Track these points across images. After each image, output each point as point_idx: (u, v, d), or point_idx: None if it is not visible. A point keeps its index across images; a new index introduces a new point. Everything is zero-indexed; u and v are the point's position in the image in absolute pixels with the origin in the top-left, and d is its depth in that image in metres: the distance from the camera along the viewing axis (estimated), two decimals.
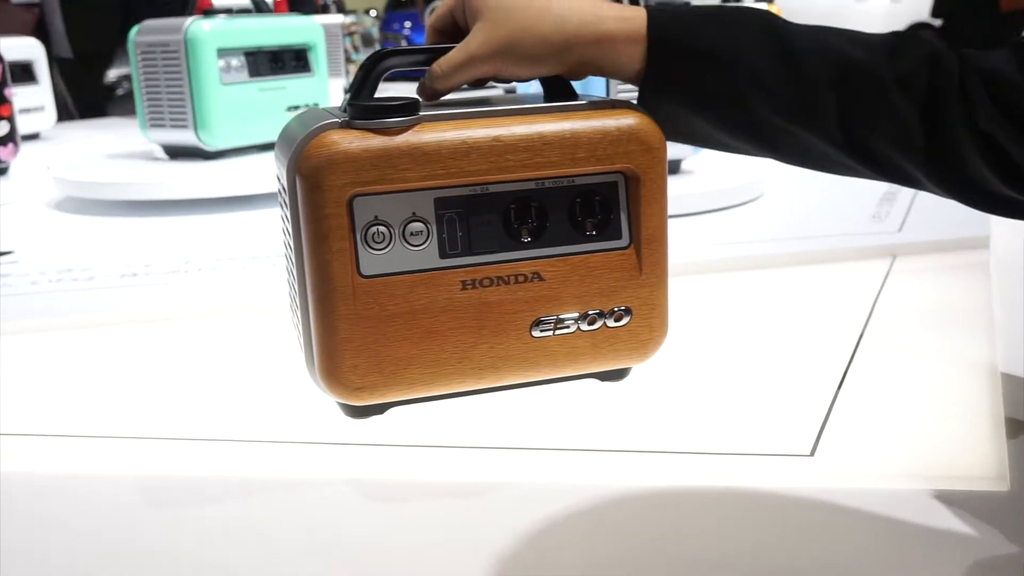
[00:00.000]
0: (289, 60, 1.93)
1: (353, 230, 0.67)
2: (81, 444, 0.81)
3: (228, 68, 1.83)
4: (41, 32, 3.41)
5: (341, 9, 3.79)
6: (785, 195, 1.66)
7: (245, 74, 1.86)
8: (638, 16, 0.64)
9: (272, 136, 1.95)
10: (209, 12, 1.88)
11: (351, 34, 3.40)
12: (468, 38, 0.68)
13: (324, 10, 3.65)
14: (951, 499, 0.65)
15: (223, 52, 1.83)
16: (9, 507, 0.70)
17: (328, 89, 2.00)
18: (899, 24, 6.16)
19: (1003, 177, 0.58)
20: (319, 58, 1.96)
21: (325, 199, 0.66)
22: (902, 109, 0.59)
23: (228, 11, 1.90)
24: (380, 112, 0.67)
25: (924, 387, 0.81)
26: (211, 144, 1.85)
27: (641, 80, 0.66)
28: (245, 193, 1.72)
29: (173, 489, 0.73)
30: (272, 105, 1.90)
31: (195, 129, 1.82)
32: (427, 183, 0.68)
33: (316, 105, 1.88)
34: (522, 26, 0.66)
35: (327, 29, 2.30)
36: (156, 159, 1.94)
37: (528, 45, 0.67)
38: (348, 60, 3.46)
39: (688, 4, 0.65)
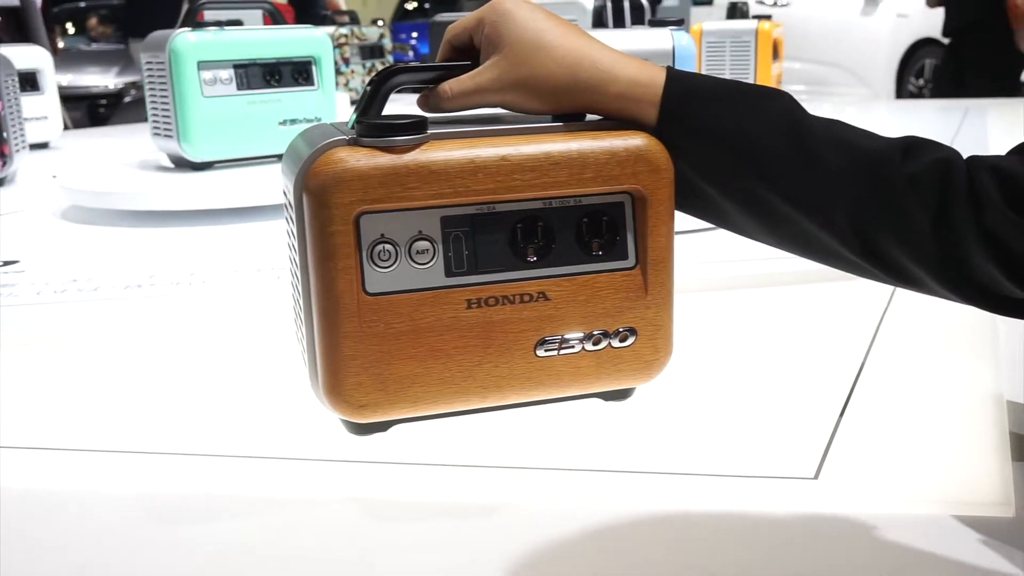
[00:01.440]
0: (288, 73, 1.91)
1: (359, 247, 0.67)
2: (84, 458, 0.81)
3: (213, 81, 1.85)
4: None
5: (354, 20, 3.79)
6: None
7: (233, 87, 1.86)
8: (654, 82, 0.64)
9: (262, 150, 1.97)
10: (200, 25, 1.89)
11: (340, 46, 3.39)
12: (482, 68, 0.68)
13: (325, 21, 3.65)
14: (956, 524, 0.65)
15: (206, 64, 1.84)
16: (9, 520, 0.70)
17: (335, 103, 1.98)
18: (905, 39, 6.17)
19: (1011, 276, 0.58)
20: (324, 72, 1.94)
21: (332, 216, 0.66)
22: (912, 210, 0.58)
23: (218, 24, 1.90)
24: (388, 130, 0.67)
25: (928, 410, 0.81)
26: (193, 155, 1.87)
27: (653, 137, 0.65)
28: (252, 205, 1.72)
29: (174, 505, 0.73)
30: (262, 119, 1.88)
31: (178, 140, 1.85)
32: (434, 201, 0.68)
33: (318, 120, 1.87)
34: (536, 73, 0.66)
35: None
36: (163, 168, 1.94)
37: (540, 90, 0.67)
38: (337, 72, 3.46)
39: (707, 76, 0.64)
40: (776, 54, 2.70)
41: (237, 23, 1.94)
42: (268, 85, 1.88)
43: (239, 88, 1.86)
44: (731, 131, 0.61)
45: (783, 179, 0.60)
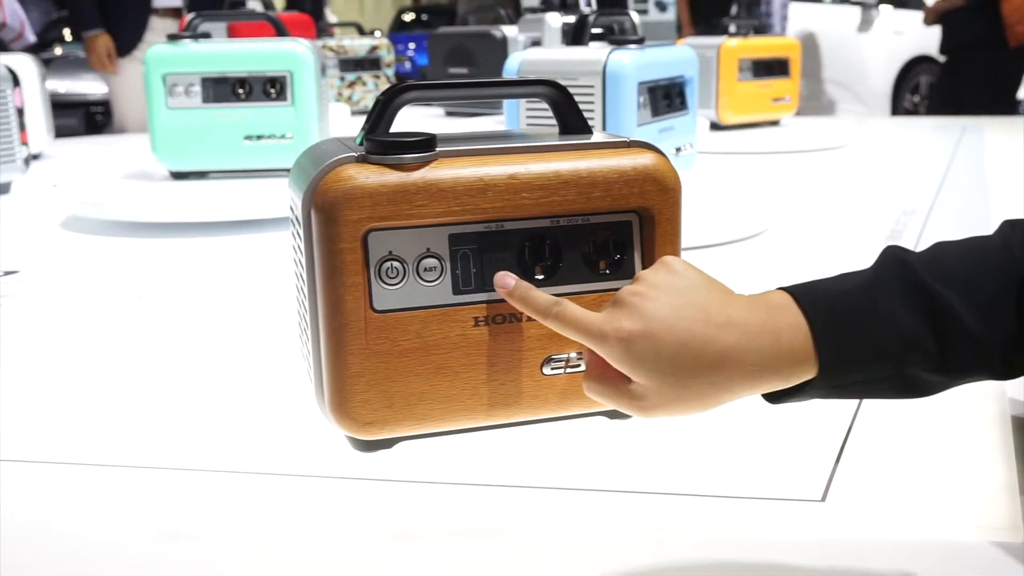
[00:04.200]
0: (259, 88, 1.86)
1: (367, 265, 0.67)
2: (84, 472, 0.80)
3: (179, 92, 1.87)
4: None
5: (360, 31, 3.78)
6: (791, 229, 1.67)
7: (198, 99, 1.87)
8: (807, 356, 0.58)
9: (226, 164, 1.99)
10: (174, 37, 1.91)
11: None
12: (621, 364, 0.60)
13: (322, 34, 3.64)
14: (964, 548, 0.65)
15: (172, 76, 1.86)
16: (10, 534, 0.70)
17: (316, 119, 1.89)
18: (901, 56, 6.19)
19: None
20: (300, 87, 1.86)
21: (340, 233, 0.66)
22: None
23: (194, 37, 1.91)
24: (397, 148, 0.67)
25: (934, 428, 0.81)
26: (165, 165, 1.92)
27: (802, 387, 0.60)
28: (255, 217, 1.72)
29: (174, 520, 0.72)
30: (227, 133, 1.87)
31: (153, 149, 1.90)
32: (442, 219, 0.68)
33: (285, 136, 1.85)
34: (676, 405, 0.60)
35: None
36: (164, 179, 1.94)
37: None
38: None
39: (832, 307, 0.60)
40: (787, 71, 2.70)
41: (206, 36, 1.94)
42: (237, 99, 1.86)
43: (205, 101, 1.86)
44: (880, 341, 0.58)
45: (934, 359, 0.58)
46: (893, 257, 0.60)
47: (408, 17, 11.63)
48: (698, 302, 0.60)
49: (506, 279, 0.67)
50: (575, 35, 1.59)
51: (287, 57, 1.86)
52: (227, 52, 1.88)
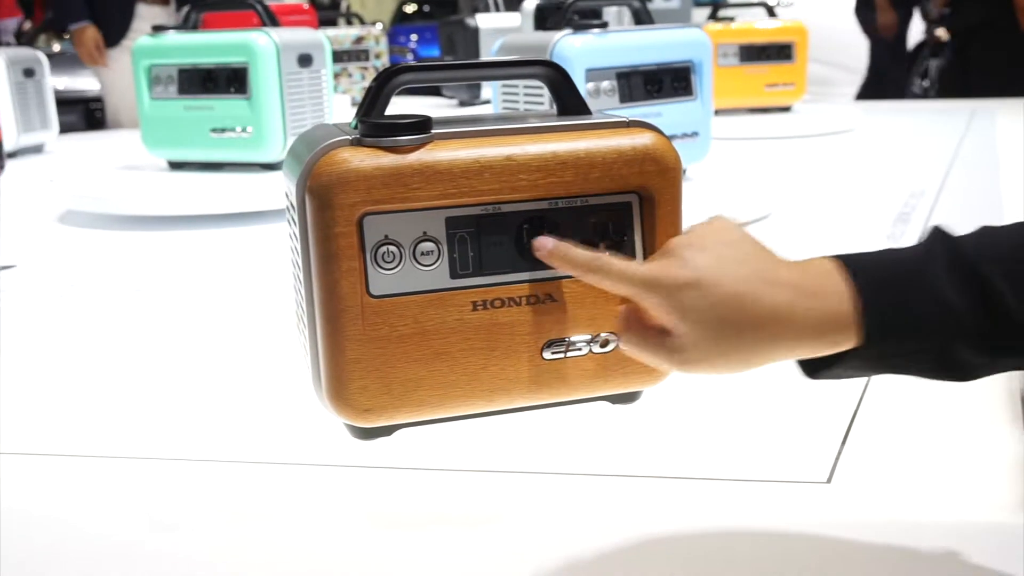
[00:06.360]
0: (223, 80, 1.83)
1: (363, 249, 0.66)
2: (82, 463, 0.80)
3: (159, 84, 1.88)
4: None
5: (356, 21, 3.77)
6: (795, 214, 1.65)
7: (174, 91, 1.87)
8: (850, 323, 0.57)
9: (198, 156, 1.98)
10: (159, 28, 1.92)
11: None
12: (669, 313, 0.59)
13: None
14: (970, 529, 0.64)
15: (156, 67, 1.87)
16: (9, 526, 0.69)
17: (279, 114, 1.81)
18: (910, 39, 6.15)
19: None
20: (259, 80, 1.79)
21: (335, 218, 0.65)
22: None
23: (182, 27, 1.91)
24: (392, 130, 0.66)
25: (941, 409, 0.80)
26: (154, 155, 1.94)
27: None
28: (252, 210, 1.71)
29: (172, 511, 0.72)
30: (196, 125, 1.86)
31: (142, 139, 1.93)
32: (439, 202, 0.67)
33: (246, 130, 1.81)
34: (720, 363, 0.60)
35: None
36: (160, 172, 1.93)
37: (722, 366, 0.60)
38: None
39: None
40: (793, 55, 2.66)
41: (196, 27, 1.93)
42: (205, 91, 1.84)
43: (180, 93, 1.86)
44: (927, 313, 0.56)
45: (979, 336, 0.56)
46: (940, 235, 0.60)
47: (410, 8, 11.59)
48: (748, 259, 0.60)
49: (544, 240, 0.67)
50: (547, 20, 1.57)
51: (244, 48, 1.79)
52: (195, 43, 1.87)
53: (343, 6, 4.71)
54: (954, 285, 0.57)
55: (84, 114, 5.53)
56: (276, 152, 1.80)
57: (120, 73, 3.39)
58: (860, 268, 0.59)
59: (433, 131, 0.67)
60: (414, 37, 9.79)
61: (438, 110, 3.21)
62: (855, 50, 6.00)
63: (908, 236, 1.43)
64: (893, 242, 1.39)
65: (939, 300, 0.57)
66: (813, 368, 0.61)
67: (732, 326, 0.58)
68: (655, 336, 0.61)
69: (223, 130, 1.82)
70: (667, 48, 1.57)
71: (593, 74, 1.48)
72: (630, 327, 0.63)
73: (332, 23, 3.70)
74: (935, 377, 0.60)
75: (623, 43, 1.52)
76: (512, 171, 0.67)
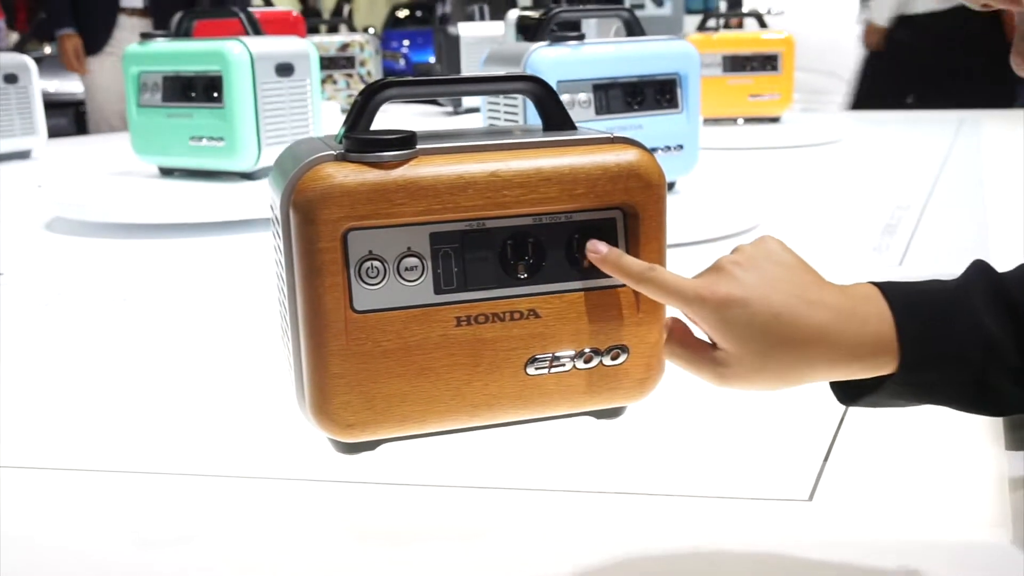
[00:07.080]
0: (201, 89, 1.82)
1: (347, 264, 0.66)
2: (68, 477, 0.79)
3: (146, 91, 1.89)
4: None
5: (344, 28, 3.77)
6: (782, 225, 1.66)
7: (159, 98, 1.88)
8: (889, 347, 0.58)
9: (178, 164, 1.93)
10: (148, 36, 1.92)
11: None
12: (715, 329, 0.62)
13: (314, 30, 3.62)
14: (952, 547, 0.64)
15: (144, 74, 1.89)
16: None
17: (252, 124, 1.78)
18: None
19: None
20: (232, 89, 1.76)
21: (319, 233, 0.65)
22: None
23: (170, 35, 1.90)
24: (376, 145, 0.66)
25: (924, 429, 0.80)
26: (143, 160, 1.96)
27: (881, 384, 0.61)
28: (240, 218, 1.70)
29: (155, 526, 0.71)
30: (176, 133, 1.86)
31: (132, 145, 1.94)
32: (423, 218, 0.67)
33: (221, 139, 1.80)
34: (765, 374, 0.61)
35: None
36: (148, 179, 1.93)
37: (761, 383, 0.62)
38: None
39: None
40: (779, 66, 2.66)
41: (186, 35, 1.92)
42: (186, 99, 1.84)
43: (164, 100, 1.87)
44: (966, 343, 0.58)
45: (1015, 368, 0.57)
46: (980, 267, 0.61)
47: (402, 14, 11.58)
48: (794, 279, 0.61)
49: (598, 245, 0.68)
50: (529, 31, 1.57)
51: (217, 56, 1.78)
52: (177, 51, 1.87)
53: (344, 11, 4.70)
54: (994, 316, 0.58)
55: (74, 116, 5.52)
56: (250, 162, 1.79)
57: (101, 79, 3.47)
58: (901, 294, 0.60)
59: (418, 147, 0.67)
60: (406, 43, 9.79)
61: (429, 118, 3.21)
62: (847, 59, 6.01)
63: (895, 248, 1.43)
64: (879, 254, 1.40)
65: (979, 329, 0.57)
66: (850, 395, 0.62)
67: (774, 343, 0.59)
68: (700, 349, 0.64)
69: (200, 138, 1.82)
70: (650, 60, 1.56)
71: (566, 86, 1.48)
72: (675, 338, 0.66)
73: (315, 30, 3.70)
74: (970, 409, 0.60)
75: (600, 55, 1.52)
76: (496, 187, 0.67)
